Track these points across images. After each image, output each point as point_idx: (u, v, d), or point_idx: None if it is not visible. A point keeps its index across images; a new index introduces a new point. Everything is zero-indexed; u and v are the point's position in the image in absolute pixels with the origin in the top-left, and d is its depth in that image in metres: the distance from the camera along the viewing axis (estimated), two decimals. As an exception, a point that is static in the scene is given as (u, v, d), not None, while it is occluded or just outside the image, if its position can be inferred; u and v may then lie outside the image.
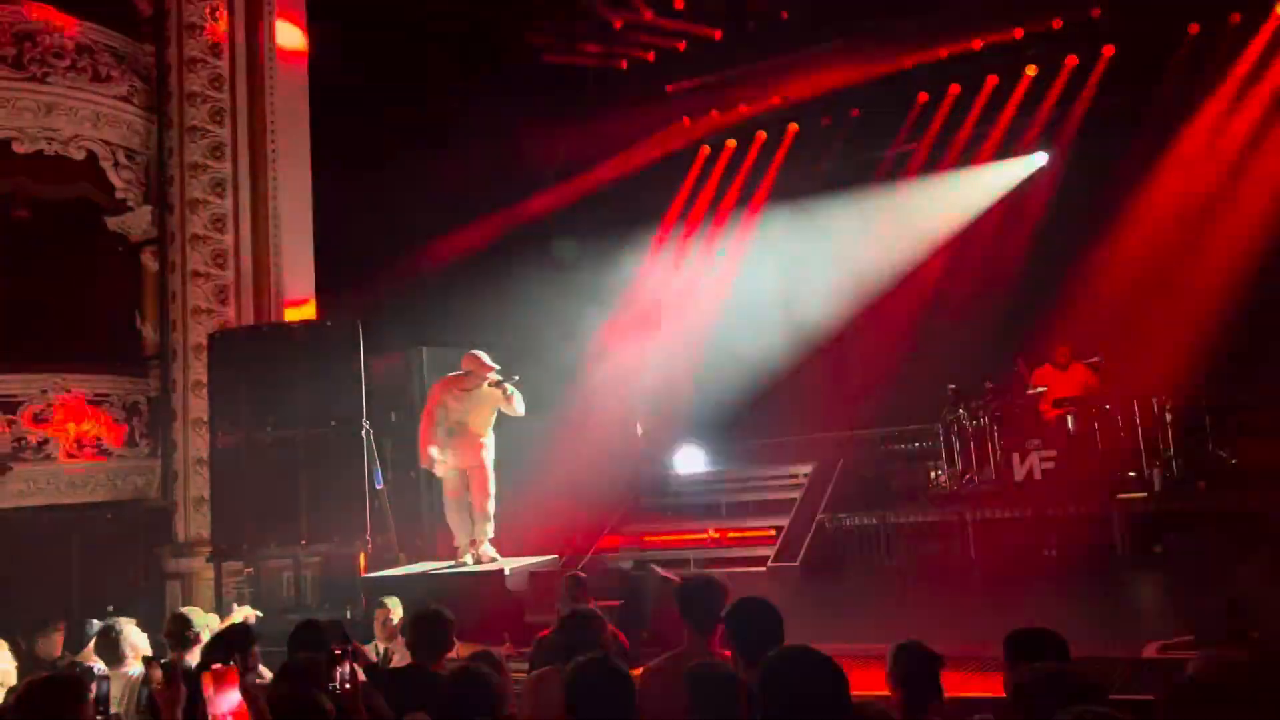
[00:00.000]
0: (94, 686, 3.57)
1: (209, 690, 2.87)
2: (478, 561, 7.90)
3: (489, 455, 8.03)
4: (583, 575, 6.01)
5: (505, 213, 11.82)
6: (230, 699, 2.84)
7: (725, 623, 3.48)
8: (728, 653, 3.44)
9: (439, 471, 7.98)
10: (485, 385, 7.85)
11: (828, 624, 7.57)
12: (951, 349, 11.29)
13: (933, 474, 10.60)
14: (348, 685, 3.15)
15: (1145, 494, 8.74)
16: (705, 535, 11.24)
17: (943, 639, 3.61)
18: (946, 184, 12.67)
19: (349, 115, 10.57)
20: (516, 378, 7.96)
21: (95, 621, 4.78)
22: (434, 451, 7.81)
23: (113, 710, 3.52)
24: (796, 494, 10.65)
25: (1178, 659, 4.60)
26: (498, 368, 7.86)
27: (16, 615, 6.24)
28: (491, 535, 8.04)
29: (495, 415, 8.05)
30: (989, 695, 4.09)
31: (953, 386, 10.49)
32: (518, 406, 7.88)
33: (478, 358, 7.89)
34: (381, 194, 10.40)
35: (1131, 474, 9.13)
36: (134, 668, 4.42)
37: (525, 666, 5.17)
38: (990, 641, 5.56)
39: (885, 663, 3.33)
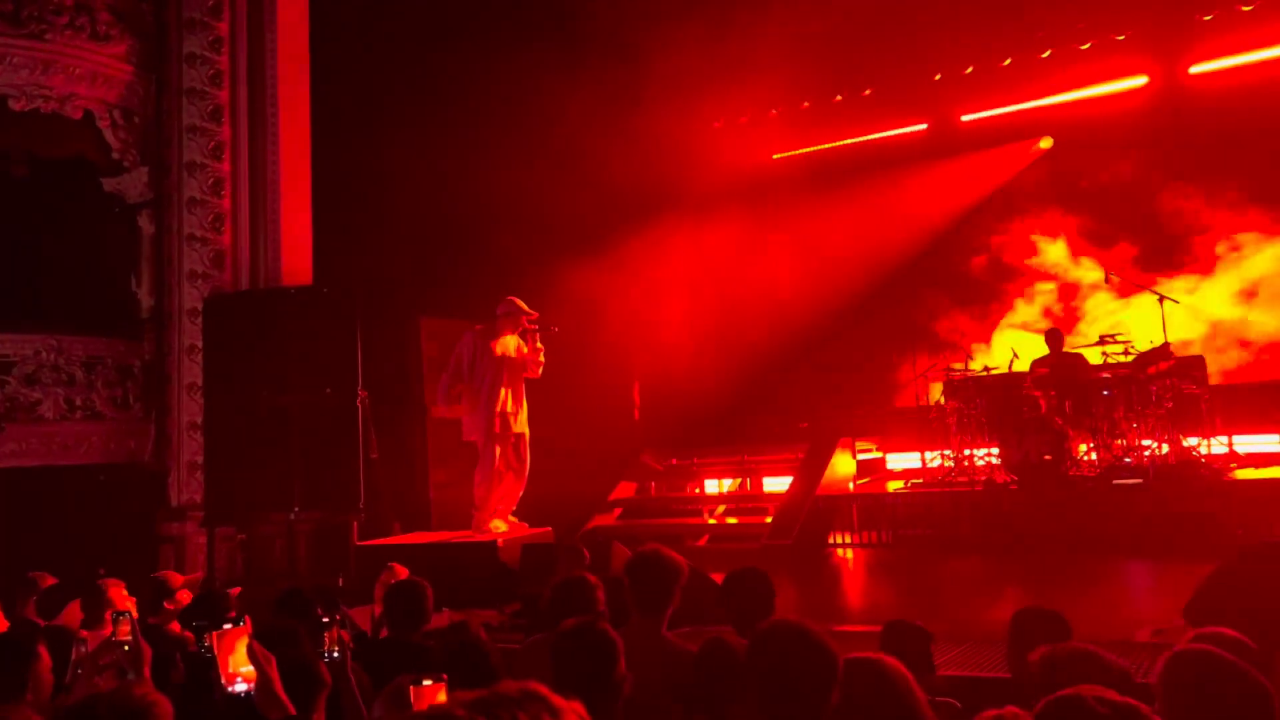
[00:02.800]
0: (74, 649, 3.55)
1: (217, 648, 2.85)
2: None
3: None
4: (582, 548, 6.00)
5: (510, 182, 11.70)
6: (238, 659, 2.82)
7: (720, 594, 3.47)
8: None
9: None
10: (520, 333, 7.96)
11: (821, 602, 7.60)
12: (950, 331, 11.31)
13: (928, 455, 10.60)
14: (336, 653, 3.13)
15: (1140, 480, 8.73)
16: (700, 512, 11.27)
17: (936, 617, 3.61)
18: (949, 168, 12.67)
19: (352, 79, 10.46)
20: (555, 329, 8.07)
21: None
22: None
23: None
24: (792, 473, 10.64)
25: (1170, 644, 4.60)
26: (536, 314, 7.98)
27: (7, 576, 6.22)
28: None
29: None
30: (984, 675, 4.09)
31: (951, 368, 10.47)
32: (541, 360, 8.01)
33: (516, 301, 7.98)
34: (383, 160, 10.29)
35: (1127, 460, 9.13)
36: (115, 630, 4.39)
37: (518, 637, 5.18)
38: (983, 620, 5.58)
39: (878, 640, 3.33)
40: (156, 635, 4.01)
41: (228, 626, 2.90)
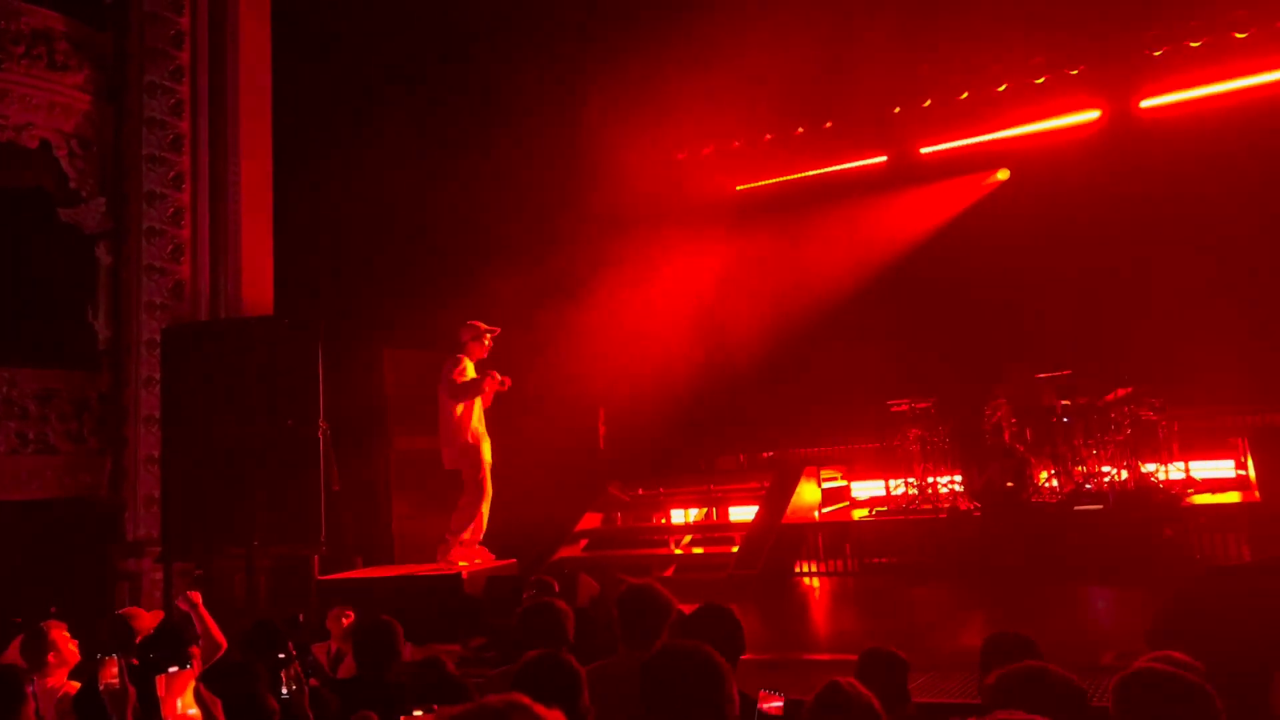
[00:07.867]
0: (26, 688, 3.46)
1: (163, 691, 2.78)
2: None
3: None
4: (550, 580, 5.96)
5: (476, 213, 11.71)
6: (186, 701, 2.75)
7: (686, 630, 3.44)
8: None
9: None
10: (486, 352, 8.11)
11: (789, 631, 7.58)
12: (915, 361, 11.41)
13: (893, 483, 10.66)
14: (294, 688, 3.08)
15: (1100, 506, 8.84)
16: (667, 543, 11.22)
17: (902, 644, 3.61)
18: (909, 199, 12.85)
19: (314, 109, 10.43)
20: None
21: None
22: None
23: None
24: (758, 503, 10.64)
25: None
26: (499, 330, 8.04)
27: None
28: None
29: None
30: (957, 701, 4.09)
31: (912, 401, 10.50)
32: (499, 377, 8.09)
33: (477, 324, 8.05)
34: (346, 191, 10.25)
35: (1088, 486, 9.24)
36: (55, 675, 4.28)
37: (483, 671, 5.11)
38: (950, 647, 5.59)
39: (851, 669, 3.32)
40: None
41: (174, 669, 2.84)
